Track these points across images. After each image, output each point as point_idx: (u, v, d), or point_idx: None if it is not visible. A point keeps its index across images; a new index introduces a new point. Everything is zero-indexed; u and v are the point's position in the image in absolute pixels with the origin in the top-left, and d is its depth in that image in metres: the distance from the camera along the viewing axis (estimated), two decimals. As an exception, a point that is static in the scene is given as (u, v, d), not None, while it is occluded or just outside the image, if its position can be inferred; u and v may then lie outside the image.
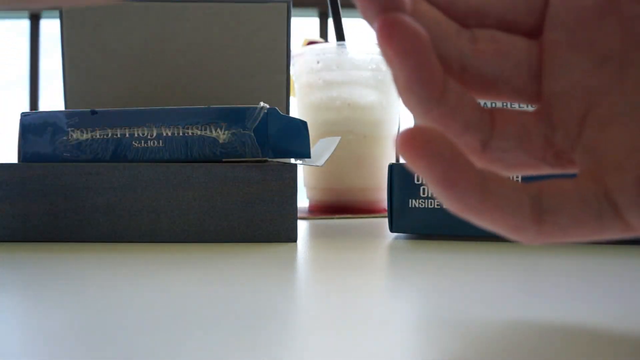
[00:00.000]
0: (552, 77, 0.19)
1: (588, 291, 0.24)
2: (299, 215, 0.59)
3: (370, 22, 0.18)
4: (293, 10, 0.54)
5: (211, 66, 0.52)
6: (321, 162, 0.42)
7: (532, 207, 0.18)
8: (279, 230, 0.38)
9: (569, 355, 0.16)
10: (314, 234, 0.45)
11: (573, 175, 0.19)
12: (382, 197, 0.65)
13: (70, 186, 0.39)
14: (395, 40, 0.17)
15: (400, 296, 0.23)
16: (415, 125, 0.17)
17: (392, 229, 0.41)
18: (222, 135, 0.39)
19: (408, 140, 0.17)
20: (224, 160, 0.39)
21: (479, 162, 0.19)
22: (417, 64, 0.17)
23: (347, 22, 0.66)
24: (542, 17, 0.19)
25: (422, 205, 0.40)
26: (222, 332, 0.18)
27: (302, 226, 0.50)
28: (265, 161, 0.39)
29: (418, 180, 0.41)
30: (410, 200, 0.41)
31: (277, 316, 0.20)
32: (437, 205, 0.40)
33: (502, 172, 0.19)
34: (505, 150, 0.19)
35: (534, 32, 0.19)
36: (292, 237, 0.39)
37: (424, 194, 0.40)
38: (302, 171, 0.68)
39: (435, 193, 0.17)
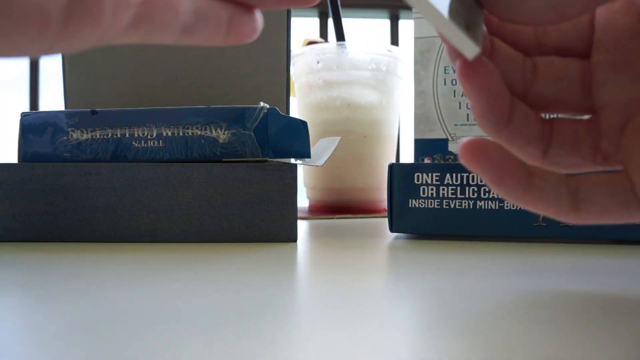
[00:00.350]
0: (597, 93, 0.23)
1: (587, 290, 0.24)
2: (299, 215, 0.59)
3: (453, 60, 0.22)
4: (293, 10, 0.54)
5: (211, 66, 0.52)
6: (321, 162, 0.42)
7: (571, 198, 0.22)
8: (279, 230, 0.38)
9: (568, 353, 0.16)
10: (314, 234, 0.45)
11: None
12: (382, 197, 0.65)
13: (70, 186, 0.39)
14: (473, 80, 0.21)
15: (400, 296, 0.23)
16: (472, 138, 0.22)
17: (392, 229, 0.41)
18: (222, 135, 0.39)
19: (466, 150, 0.22)
20: (224, 160, 0.39)
21: (539, 166, 0.23)
22: (490, 99, 0.22)
23: (347, 22, 0.66)
24: (591, 41, 0.23)
25: (422, 205, 0.40)
26: (221, 332, 0.18)
27: (302, 226, 0.50)
28: (265, 161, 0.39)
29: (418, 180, 0.41)
30: (410, 200, 0.41)
31: (277, 316, 0.20)
32: (437, 205, 0.40)
33: (560, 171, 0.23)
34: (561, 156, 0.23)
35: (585, 54, 0.23)
36: (292, 237, 0.39)
37: (424, 194, 0.40)
38: (302, 171, 0.68)
39: (491, 189, 0.23)
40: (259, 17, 0.24)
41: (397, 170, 0.41)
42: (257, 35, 0.24)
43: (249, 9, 0.23)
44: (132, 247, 0.36)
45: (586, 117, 0.24)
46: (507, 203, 0.39)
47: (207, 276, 0.27)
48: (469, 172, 0.40)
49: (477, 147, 0.22)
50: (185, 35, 0.23)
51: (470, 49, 0.22)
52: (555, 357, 0.15)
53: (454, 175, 0.40)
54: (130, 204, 0.38)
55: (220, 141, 0.39)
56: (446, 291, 0.24)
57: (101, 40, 0.20)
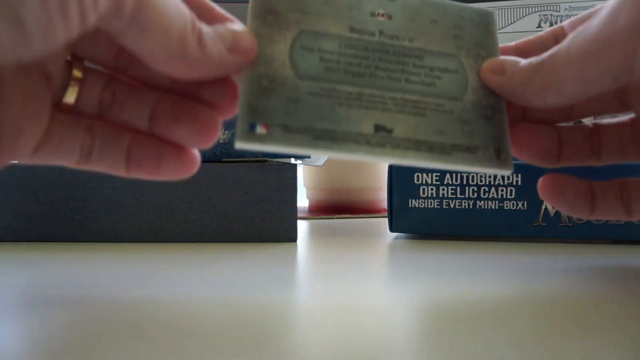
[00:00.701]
0: (636, 108, 0.27)
1: (587, 290, 0.24)
2: (299, 215, 0.59)
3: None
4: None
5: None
6: (321, 162, 0.42)
7: (624, 209, 0.29)
8: (279, 230, 0.38)
9: (568, 353, 0.16)
10: (314, 234, 0.45)
11: None
12: (382, 197, 0.65)
13: (70, 186, 0.39)
14: (518, 151, 0.29)
15: (400, 296, 0.23)
16: (549, 177, 0.29)
17: (392, 229, 0.41)
18: (222, 135, 0.39)
19: (545, 187, 0.29)
20: (224, 160, 0.39)
21: (598, 165, 0.30)
22: (539, 156, 0.29)
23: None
24: None
25: (422, 205, 0.40)
26: (222, 331, 0.18)
27: (302, 226, 0.50)
28: (265, 161, 0.39)
29: (418, 180, 0.41)
30: (410, 200, 0.41)
31: (277, 316, 0.20)
32: (437, 205, 0.40)
33: (617, 162, 0.30)
34: (613, 159, 0.29)
35: None
36: (292, 237, 0.39)
37: (423, 194, 0.40)
38: (302, 171, 0.68)
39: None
40: (178, 156, 0.25)
41: (397, 170, 0.41)
42: (169, 173, 0.25)
43: (171, 148, 0.25)
44: (132, 247, 0.36)
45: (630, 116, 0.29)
46: (506, 203, 0.39)
47: (207, 276, 0.27)
48: (469, 172, 0.40)
49: (555, 188, 0.29)
50: (83, 162, 0.25)
51: (505, 172, 0.27)
52: (555, 357, 0.15)
53: (454, 175, 0.40)
54: (130, 204, 0.38)
55: (220, 141, 0.39)
56: (446, 291, 0.24)
57: (5, 163, 0.23)
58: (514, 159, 0.41)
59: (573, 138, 0.29)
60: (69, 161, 0.25)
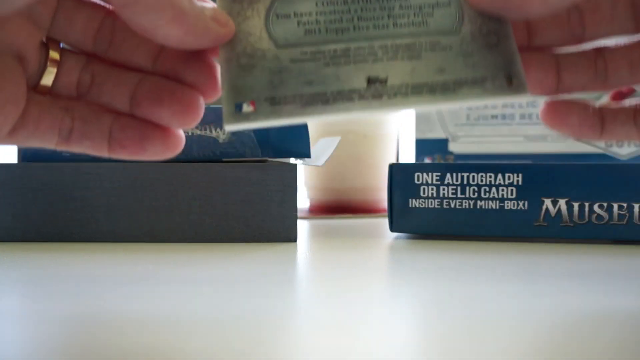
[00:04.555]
0: None
1: (587, 290, 0.24)
2: (299, 215, 0.59)
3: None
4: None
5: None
6: (321, 162, 0.42)
7: (637, 131, 0.28)
8: (279, 230, 0.38)
9: (568, 355, 0.16)
10: (314, 234, 0.45)
11: None
12: (382, 197, 0.65)
13: (70, 186, 0.39)
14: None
15: (401, 296, 0.23)
16: (551, 102, 0.27)
17: (392, 229, 0.41)
18: (222, 135, 0.39)
19: (547, 115, 0.27)
20: (224, 160, 0.39)
21: (605, 90, 0.29)
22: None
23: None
24: None
25: (422, 205, 0.40)
26: (221, 332, 0.18)
27: (302, 226, 0.50)
28: (265, 161, 0.39)
29: (418, 180, 0.41)
30: (410, 200, 0.41)
31: (277, 316, 0.20)
32: (437, 205, 0.40)
33: (626, 85, 0.29)
34: (622, 81, 0.28)
35: None
36: (292, 237, 0.39)
37: (424, 193, 0.40)
38: (303, 171, 0.68)
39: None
40: (162, 136, 0.24)
41: (397, 170, 0.41)
42: (153, 154, 0.24)
43: (154, 127, 0.24)
44: (132, 247, 0.36)
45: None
46: (507, 203, 0.39)
47: (206, 276, 0.27)
48: (469, 172, 0.40)
49: (557, 113, 0.28)
50: (64, 143, 0.24)
51: (520, 98, 0.25)
52: (558, 353, 0.15)
53: (454, 175, 0.40)
54: (130, 204, 0.38)
55: (220, 141, 0.39)
56: (446, 291, 0.24)
57: None
58: (518, 167, 0.41)
59: (575, 64, 0.28)
60: (48, 142, 0.24)
